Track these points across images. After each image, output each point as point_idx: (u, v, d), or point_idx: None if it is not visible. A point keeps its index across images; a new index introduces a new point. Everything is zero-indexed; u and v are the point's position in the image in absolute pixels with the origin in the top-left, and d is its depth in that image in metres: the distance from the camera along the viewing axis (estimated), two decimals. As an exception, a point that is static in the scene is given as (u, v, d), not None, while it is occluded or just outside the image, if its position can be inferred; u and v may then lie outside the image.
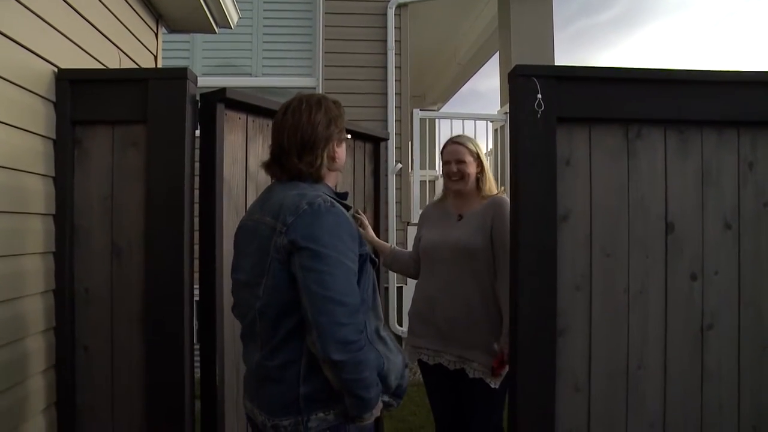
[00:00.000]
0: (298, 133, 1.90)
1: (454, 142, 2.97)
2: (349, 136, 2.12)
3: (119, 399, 2.48)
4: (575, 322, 2.42)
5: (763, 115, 2.46)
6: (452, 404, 2.93)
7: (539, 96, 2.35)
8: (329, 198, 1.84)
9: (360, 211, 3.33)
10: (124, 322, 2.48)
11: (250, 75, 6.86)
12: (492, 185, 2.96)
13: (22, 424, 2.25)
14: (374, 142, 3.60)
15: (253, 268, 1.88)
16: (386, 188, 5.96)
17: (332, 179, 2.03)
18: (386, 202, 6.03)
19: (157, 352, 2.44)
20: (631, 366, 2.43)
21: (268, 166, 1.99)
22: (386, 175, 3.69)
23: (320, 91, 6.55)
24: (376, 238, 3.31)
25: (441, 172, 3.13)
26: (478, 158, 2.94)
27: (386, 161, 3.67)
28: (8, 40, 2.21)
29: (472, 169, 2.91)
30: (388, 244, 3.30)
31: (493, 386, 2.73)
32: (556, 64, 6.64)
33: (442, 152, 3.04)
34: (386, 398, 1.96)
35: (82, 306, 2.48)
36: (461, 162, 2.91)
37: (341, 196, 1.98)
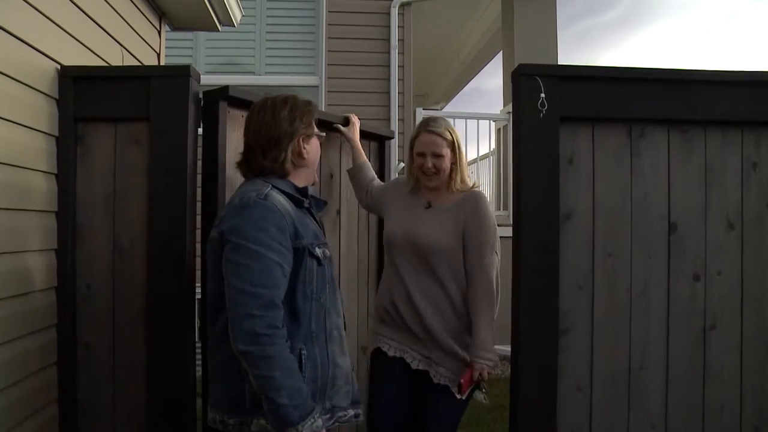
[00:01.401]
0: (263, 130, 1.94)
1: (430, 131, 2.58)
2: (323, 134, 2.10)
3: (120, 396, 2.48)
4: (577, 322, 2.41)
5: None
6: (405, 402, 2.61)
7: (542, 95, 2.34)
8: (267, 191, 1.85)
9: (352, 117, 3.10)
10: (125, 319, 2.48)
11: (253, 73, 6.87)
12: (466, 177, 2.63)
13: (24, 421, 2.25)
14: (379, 141, 3.58)
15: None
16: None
17: (302, 176, 2.02)
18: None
19: (158, 350, 2.44)
20: (633, 366, 2.43)
21: (239, 165, 2.04)
22: (389, 174, 3.67)
23: (324, 90, 6.55)
24: (358, 143, 3.03)
25: (408, 161, 2.79)
26: (453, 147, 2.58)
27: (389, 160, 3.64)
28: (12, 37, 2.21)
29: (448, 162, 2.57)
30: (364, 158, 3.01)
31: (458, 396, 2.50)
32: (558, 63, 6.64)
33: (413, 141, 2.68)
34: (351, 412, 1.95)
35: (83, 303, 2.48)
36: (438, 156, 2.55)
37: (301, 192, 1.98)
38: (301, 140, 1.97)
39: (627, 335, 2.42)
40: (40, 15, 2.40)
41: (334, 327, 1.95)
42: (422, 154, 2.57)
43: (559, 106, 2.36)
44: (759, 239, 2.47)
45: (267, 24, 6.90)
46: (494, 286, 2.51)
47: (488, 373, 2.48)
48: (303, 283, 1.85)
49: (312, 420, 1.71)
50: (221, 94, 2.53)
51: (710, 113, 2.45)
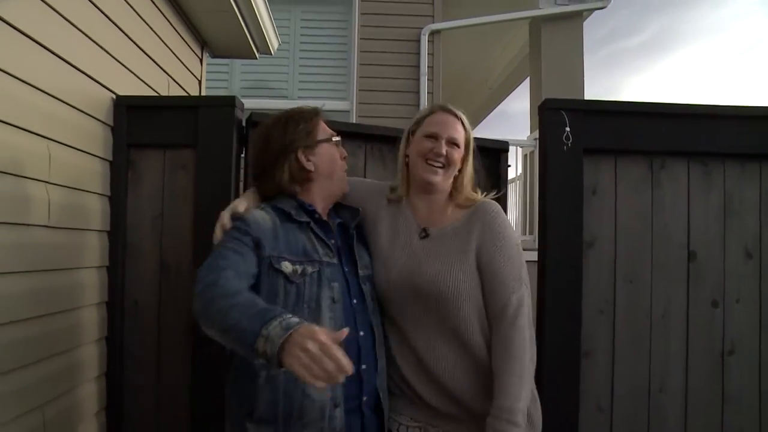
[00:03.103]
0: (259, 157, 1.94)
1: (448, 110, 1.97)
2: (335, 138, 1.93)
3: (164, 405, 2.62)
4: (599, 345, 2.50)
5: (785, 149, 2.55)
6: None
7: (567, 129, 2.46)
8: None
9: None
10: (170, 335, 2.62)
11: (286, 98, 7.04)
12: (470, 187, 1.96)
13: (77, 426, 2.40)
14: (493, 155, 2.95)
15: None
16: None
17: (317, 191, 1.90)
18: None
19: (201, 367, 2.56)
20: (653, 388, 2.51)
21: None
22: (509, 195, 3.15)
23: (354, 115, 6.69)
24: None
25: (401, 158, 2.01)
26: (468, 145, 1.97)
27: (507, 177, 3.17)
28: (73, 68, 2.39)
29: (459, 156, 1.94)
30: None
31: None
32: (585, 88, 6.72)
33: (421, 121, 1.99)
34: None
35: (131, 318, 2.63)
36: (453, 144, 1.91)
37: (304, 209, 1.85)
38: (299, 154, 1.86)
39: (647, 358, 2.51)
40: (98, 48, 2.59)
41: None
42: (434, 137, 1.91)
43: (584, 138, 2.48)
44: (777, 268, 2.55)
45: (300, 50, 7.09)
46: (527, 333, 1.76)
47: None
48: (267, 298, 1.65)
49: (280, 319, 1.39)
50: (248, 120, 2.67)
51: (729, 146, 2.55)
